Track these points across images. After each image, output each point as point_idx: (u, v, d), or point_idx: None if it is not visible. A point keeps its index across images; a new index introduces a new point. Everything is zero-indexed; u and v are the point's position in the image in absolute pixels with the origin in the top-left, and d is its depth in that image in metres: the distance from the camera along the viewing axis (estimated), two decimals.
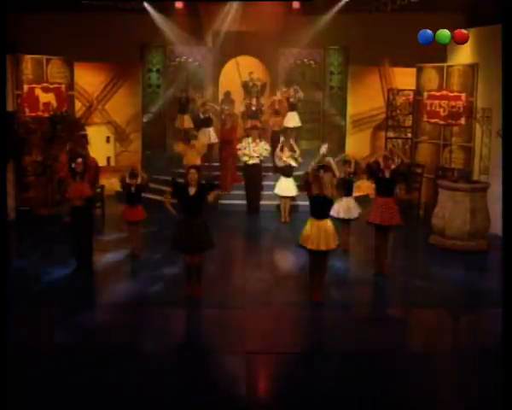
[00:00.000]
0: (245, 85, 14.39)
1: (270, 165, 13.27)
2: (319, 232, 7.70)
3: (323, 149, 9.77)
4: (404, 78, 14.27)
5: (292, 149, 12.20)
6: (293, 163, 12.15)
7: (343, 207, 9.96)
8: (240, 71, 15.11)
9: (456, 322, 7.90)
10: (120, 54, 13.90)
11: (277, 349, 6.71)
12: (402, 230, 10.47)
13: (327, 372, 6.20)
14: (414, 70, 13.50)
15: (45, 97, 12.93)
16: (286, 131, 13.79)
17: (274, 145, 13.29)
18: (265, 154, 12.90)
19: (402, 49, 12.64)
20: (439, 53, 12.21)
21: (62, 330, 7.12)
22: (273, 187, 12.55)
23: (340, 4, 13.34)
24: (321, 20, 13.70)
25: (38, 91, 12.86)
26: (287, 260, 10.21)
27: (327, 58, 14.77)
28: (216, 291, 8.31)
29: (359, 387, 5.89)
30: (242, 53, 14.97)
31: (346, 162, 10.20)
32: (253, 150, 12.73)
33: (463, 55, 12.44)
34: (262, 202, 13.05)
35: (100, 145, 12.51)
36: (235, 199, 13.12)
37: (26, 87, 12.65)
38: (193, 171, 7.84)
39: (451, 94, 12.59)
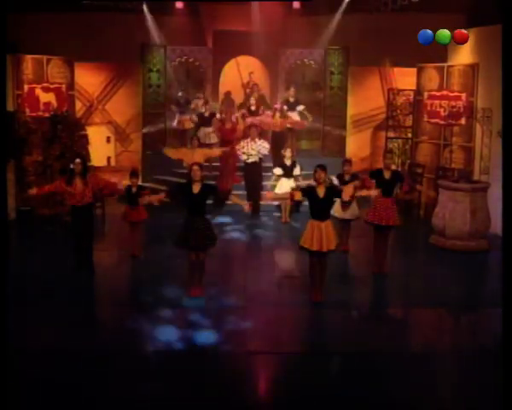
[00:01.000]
0: (245, 84, 14.39)
1: (270, 165, 13.24)
2: (320, 234, 7.69)
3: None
4: (405, 78, 14.26)
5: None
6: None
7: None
8: (240, 71, 15.13)
9: (456, 322, 7.90)
10: (121, 54, 13.91)
11: (278, 349, 6.71)
12: (402, 230, 10.48)
13: (327, 372, 6.20)
14: (414, 70, 13.49)
15: (46, 97, 12.93)
16: (287, 131, 13.82)
17: (275, 145, 13.30)
18: (264, 151, 12.86)
19: (402, 49, 12.62)
20: (439, 53, 12.20)
21: (62, 330, 7.12)
22: (273, 187, 12.51)
23: (341, 5, 13.36)
24: (321, 20, 13.70)
25: (39, 91, 12.86)
26: (287, 261, 10.20)
27: (327, 58, 14.77)
28: (217, 291, 8.31)
29: (359, 387, 5.89)
30: (243, 53, 14.97)
31: (346, 162, 10.20)
32: (251, 148, 12.73)
33: (464, 55, 12.43)
34: (262, 202, 13.01)
35: (100, 145, 12.50)
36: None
37: (26, 87, 12.65)
38: (196, 168, 7.85)
39: (452, 94, 12.58)
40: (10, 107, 12.05)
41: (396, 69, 14.62)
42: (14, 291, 7.67)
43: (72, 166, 8.79)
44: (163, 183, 12.99)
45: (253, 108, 13.76)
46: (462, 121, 12.36)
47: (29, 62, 12.73)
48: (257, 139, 12.83)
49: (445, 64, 12.86)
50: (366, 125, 15.11)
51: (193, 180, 7.83)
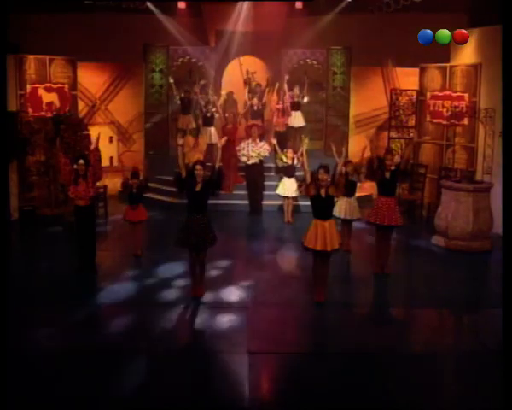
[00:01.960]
0: (248, 83, 14.36)
1: (271, 165, 13.25)
2: (324, 233, 7.69)
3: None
4: (407, 78, 14.27)
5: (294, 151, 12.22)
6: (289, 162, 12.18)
7: (345, 208, 9.95)
8: (243, 71, 15.13)
9: (458, 322, 7.88)
10: (123, 54, 13.92)
11: (279, 349, 6.71)
12: (405, 230, 10.46)
13: (328, 372, 6.19)
14: (417, 70, 13.49)
15: (48, 97, 12.97)
16: (291, 131, 13.81)
17: (279, 145, 13.27)
18: (264, 154, 12.85)
19: (405, 50, 12.61)
20: (442, 53, 12.18)
21: (63, 330, 7.13)
22: (275, 187, 12.53)
23: (343, 5, 13.34)
24: (323, 20, 13.70)
25: (41, 91, 12.90)
26: (289, 261, 10.20)
27: (329, 58, 14.77)
28: (218, 291, 8.31)
29: (360, 387, 5.89)
30: (245, 53, 14.97)
31: (347, 163, 10.21)
32: (251, 150, 12.69)
33: (466, 56, 12.41)
34: (264, 202, 13.03)
35: (103, 145, 12.50)
36: (237, 199, 13.10)
37: (29, 87, 12.68)
38: (199, 167, 7.85)
39: (454, 94, 12.57)
40: (13, 107, 12.09)
41: (398, 69, 14.63)
42: (16, 291, 7.70)
43: (75, 166, 8.81)
44: (165, 183, 13.00)
45: (255, 107, 13.74)
46: (465, 121, 12.35)
47: (32, 62, 12.77)
48: (258, 140, 12.78)
49: (448, 64, 12.84)
50: (369, 125, 15.11)
51: (196, 181, 7.83)
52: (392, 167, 8.98)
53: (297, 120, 13.90)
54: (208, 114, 13.62)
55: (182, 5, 14.52)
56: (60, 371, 6.09)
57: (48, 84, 13.00)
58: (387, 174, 8.93)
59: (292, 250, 10.35)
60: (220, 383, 5.94)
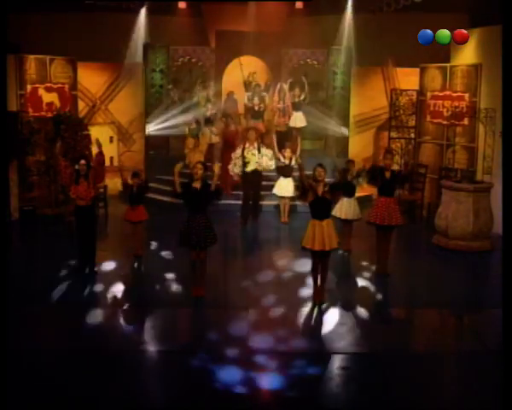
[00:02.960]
0: (247, 85, 14.36)
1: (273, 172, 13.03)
2: (322, 233, 7.68)
3: None
4: (408, 78, 14.26)
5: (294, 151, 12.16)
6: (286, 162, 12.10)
7: (345, 208, 9.94)
8: (243, 71, 15.12)
9: (458, 322, 7.87)
10: (123, 54, 13.92)
11: (279, 349, 6.70)
12: (405, 230, 10.46)
13: (328, 372, 6.19)
14: (417, 70, 13.49)
15: (48, 97, 12.96)
16: (292, 131, 13.79)
17: (278, 146, 13.24)
18: (267, 165, 11.99)
19: (405, 50, 12.61)
20: (442, 53, 12.18)
21: (63, 330, 7.13)
22: (272, 187, 12.44)
23: (344, 4, 13.35)
24: (324, 20, 13.70)
25: (42, 91, 12.89)
26: (287, 261, 10.17)
27: (330, 58, 14.76)
28: (218, 291, 8.31)
29: (360, 387, 5.88)
30: (246, 53, 14.98)
31: (348, 162, 10.21)
32: (251, 153, 11.87)
33: (467, 56, 12.40)
34: (260, 202, 12.82)
35: (103, 145, 12.55)
36: (237, 199, 13.05)
37: (29, 87, 12.68)
38: (199, 166, 7.89)
39: (455, 94, 12.57)
40: (13, 107, 12.09)
41: (399, 69, 14.63)
42: (16, 291, 7.70)
43: (76, 166, 8.81)
44: (166, 183, 12.98)
45: (256, 108, 13.71)
46: (465, 121, 12.34)
47: (32, 62, 12.76)
48: (255, 144, 12.00)
49: (448, 64, 12.83)
50: (369, 125, 15.11)
51: (194, 179, 7.85)
52: (392, 167, 8.99)
53: (298, 120, 13.89)
54: (208, 114, 13.61)
55: (182, 5, 14.52)
56: (60, 372, 6.09)
57: (48, 84, 12.99)
58: (387, 174, 8.93)
59: (289, 250, 10.33)
60: (220, 384, 5.93)
